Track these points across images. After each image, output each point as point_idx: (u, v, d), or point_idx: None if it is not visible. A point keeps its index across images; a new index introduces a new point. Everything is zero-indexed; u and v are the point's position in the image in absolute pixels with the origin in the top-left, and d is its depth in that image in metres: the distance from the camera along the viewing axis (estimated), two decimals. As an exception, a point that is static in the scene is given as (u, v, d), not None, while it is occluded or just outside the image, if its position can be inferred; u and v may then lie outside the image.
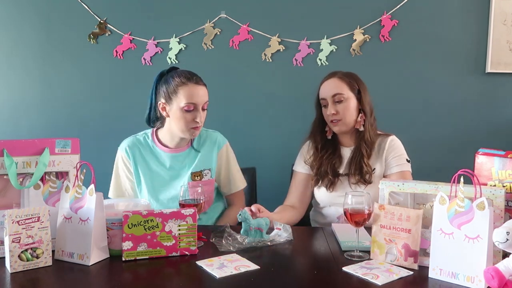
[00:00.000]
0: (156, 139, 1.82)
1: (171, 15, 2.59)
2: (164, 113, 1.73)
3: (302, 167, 1.88)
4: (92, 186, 1.31)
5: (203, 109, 1.71)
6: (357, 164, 1.76)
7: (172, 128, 1.74)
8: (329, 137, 1.85)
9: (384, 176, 1.78)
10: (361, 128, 1.80)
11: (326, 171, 1.79)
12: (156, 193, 1.80)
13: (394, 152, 1.78)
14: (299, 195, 1.88)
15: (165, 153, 1.80)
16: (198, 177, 1.80)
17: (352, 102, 1.77)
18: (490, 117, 2.55)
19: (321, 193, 1.83)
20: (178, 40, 2.59)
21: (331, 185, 1.79)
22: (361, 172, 1.75)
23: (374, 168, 1.77)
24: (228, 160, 1.87)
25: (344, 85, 1.77)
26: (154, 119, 1.80)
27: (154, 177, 1.80)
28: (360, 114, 1.79)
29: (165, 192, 1.79)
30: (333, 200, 1.80)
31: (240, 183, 1.91)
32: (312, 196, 1.91)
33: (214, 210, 1.91)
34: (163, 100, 1.72)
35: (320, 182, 1.81)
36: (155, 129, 1.84)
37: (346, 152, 1.84)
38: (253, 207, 1.55)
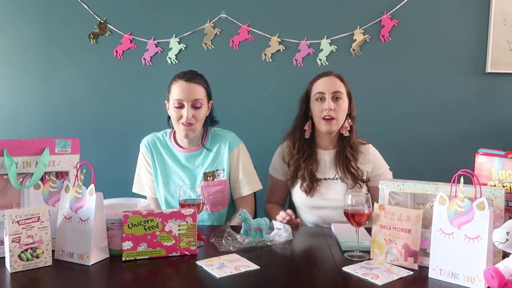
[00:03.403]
0: (173, 139, 1.87)
1: (171, 15, 2.59)
2: (168, 112, 1.80)
3: (278, 174, 1.91)
4: (92, 186, 1.31)
5: (194, 107, 1.72)
6: (345, 169, 1.79)
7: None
8: (307, 137, 1.84)
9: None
10: (346, 133, 1.82)
11: (304, 176, 1.79)
12: (171, 190, 1.83)
13: (379, 166, 1.86)
14: (282, 196, 1.95)
15: (180, 152, 1.84)
16: (211, 177, 1.81)
17: (345, 104, 1.80)
18: (490, 117, 2.55)
19: (299, 197, 1.83)
20: (178, 40, 2.59)
21: (310, 190, 1.79)
22: (354, 176, 1.78)
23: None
24: (237, 163, 1.84)
25: (342, 86, 1.80)
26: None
27: (169, 174, 1.84)
28: (348, 120, 1.82)
29: (179, 189, 1.79)
30: (311, 204, 1.81)
31: (244, 189, 1.85)
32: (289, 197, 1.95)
33: (230, 213, 1.90)
34: (166, 100, 1.80)
35: (299, 185, 1.82)
36: (173, 130, 1.89)
37: (325, 156, 1.84)
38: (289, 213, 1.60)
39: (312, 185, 1.78)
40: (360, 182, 1.79)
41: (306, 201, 1.81)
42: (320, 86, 1.79)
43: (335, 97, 1.76)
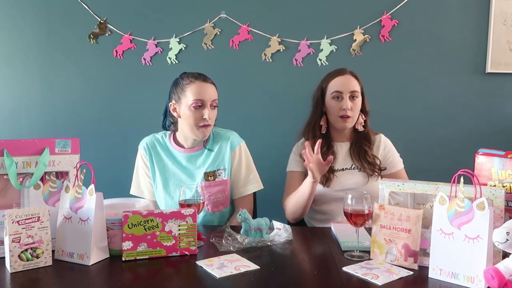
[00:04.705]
0: (173, 140, 1.85)
1: (171, 15, 2.59)
2: (175, 114, 1.78)
3: (298, 166, 1.88)
4: (92, 186, 1.31)
5: (212, 107, 1.74)
6: (362, 159, 1.82)
7: (184, 128, 1.78)
8: (324, 132, 1.87)
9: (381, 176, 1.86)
10: (361, 129, 1.86)
11: None
12: (171, 192, 1.82)
13: (389, 152, 1.89)
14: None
15: (180, 153, 1.83)
16: (212, 177, 1.80)
17: (359, 101, 1.84)
18: (490, 117, 2.55)
19: (318, 189, 1.81)
20: (178, 40, 2.59)
21: (326, 181, 1.81)
22: (371, 165, 1.81)
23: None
24: (239, 162, 1.84)
25: (358, 84, 1.84)
26: (169, 124, 1.85)
27: (169, 176, 1.83)
28: (362, 115, 1.86)
29: (179, 191, 1.79)
30: (331, 195, 1.82)
31: (245, 188, 1.85)
32: None
33: (232, 212, 1.89)
34: (173, 101, 1.77)
35: None
36: (173, 131, 1.88)
37: (341, 147, 1.88)
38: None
39: (329, 176, 1.80)
40: (378, 171, 1.82)
41: (325, 192, 1.81)
42: (337, 85, 1.81)
43: (352, 96, 1.80)
